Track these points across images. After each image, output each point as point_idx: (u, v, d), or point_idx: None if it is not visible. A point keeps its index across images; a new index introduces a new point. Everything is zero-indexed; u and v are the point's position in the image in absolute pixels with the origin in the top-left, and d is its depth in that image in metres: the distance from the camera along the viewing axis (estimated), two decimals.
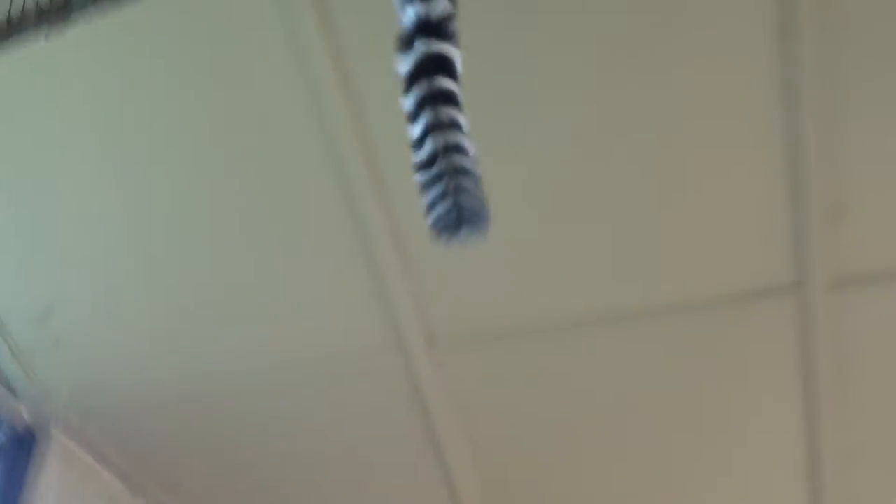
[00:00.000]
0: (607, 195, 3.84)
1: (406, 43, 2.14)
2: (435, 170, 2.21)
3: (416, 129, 2.19)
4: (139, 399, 4.67)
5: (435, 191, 2.21)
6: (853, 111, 3.57)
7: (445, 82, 2.17)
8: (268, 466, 5.10)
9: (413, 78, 2.14)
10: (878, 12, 3.40)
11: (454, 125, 2.19)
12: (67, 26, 2.39)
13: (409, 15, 2.16)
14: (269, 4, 3.33)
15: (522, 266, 4.09)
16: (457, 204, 2.20)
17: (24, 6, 2.33)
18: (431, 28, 2.15)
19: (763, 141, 3.69)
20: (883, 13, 3.41)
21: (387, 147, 3.68)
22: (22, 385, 4.52)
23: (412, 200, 3.26)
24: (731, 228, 3.97)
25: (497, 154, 3.37)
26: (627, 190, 3.81)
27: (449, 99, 2.14)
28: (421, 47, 2.14)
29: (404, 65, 2.11)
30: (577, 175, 3.76)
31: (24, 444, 4.62)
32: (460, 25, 2.32)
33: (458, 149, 2.19)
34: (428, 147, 2.20)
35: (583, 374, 4.65)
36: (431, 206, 2.21)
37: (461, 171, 2.19)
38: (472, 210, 2.20)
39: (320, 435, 4.97)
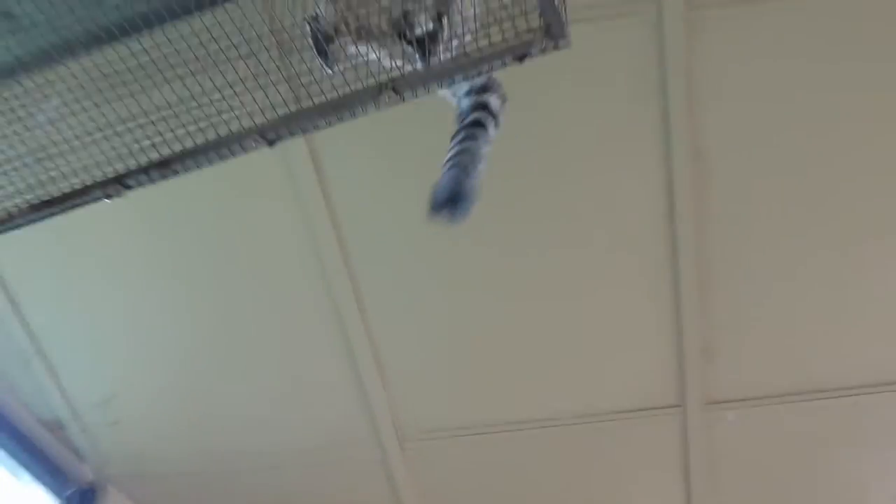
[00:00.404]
0: (533, 334, 4.48)
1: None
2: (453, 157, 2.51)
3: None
4: (180, 465, 5.09)
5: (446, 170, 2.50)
6: (723, 281, 4.26)
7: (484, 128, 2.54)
8: None
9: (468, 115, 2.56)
10: (742, 203, 4.05)
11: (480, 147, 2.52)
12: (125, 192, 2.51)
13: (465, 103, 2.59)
14: (276, 164, 3.87)
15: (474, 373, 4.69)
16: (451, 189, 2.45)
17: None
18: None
19: (654, 299, 4.36)
20: (746, 203, 4.06)
21: (368, 274, 4.28)
22: (87, 451, 4.98)
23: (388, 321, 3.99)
24: (627, 361, 4.64)
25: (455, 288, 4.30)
26: (549, 331, 4.46)
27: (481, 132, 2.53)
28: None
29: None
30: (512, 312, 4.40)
31: (87, 498, 5.04)
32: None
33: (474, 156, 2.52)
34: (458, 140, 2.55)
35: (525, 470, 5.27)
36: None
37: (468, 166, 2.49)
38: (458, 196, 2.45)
39: None
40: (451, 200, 2.42)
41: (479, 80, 2.55)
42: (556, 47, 2.30)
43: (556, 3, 2.25)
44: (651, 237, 4.21)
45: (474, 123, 2.57)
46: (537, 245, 4.20)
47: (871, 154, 3.99)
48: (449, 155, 2.53)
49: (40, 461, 4.89)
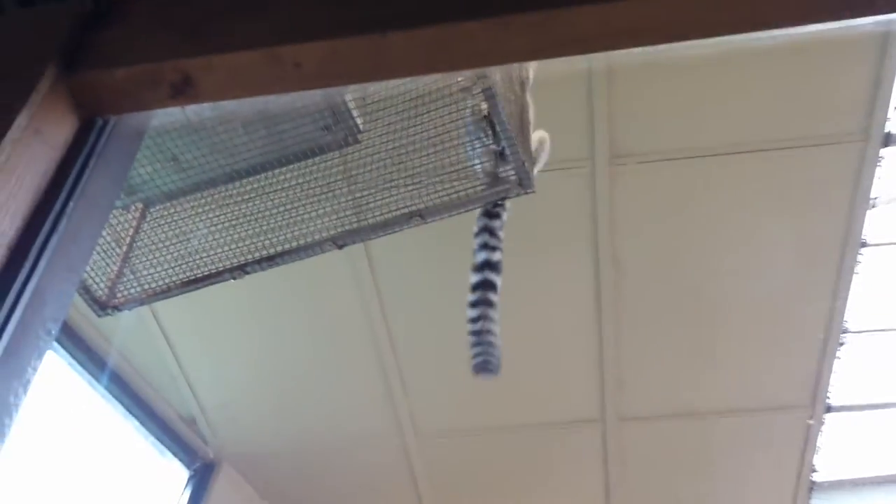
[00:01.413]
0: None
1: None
2: (477, 328, 2.58)
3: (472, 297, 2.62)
4: (275, 451, 5.34)
5: (476, 345, 2.58)
6: (632, 337, 4.59)
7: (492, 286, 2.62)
8: None
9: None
10: (646, 292, 4.38)
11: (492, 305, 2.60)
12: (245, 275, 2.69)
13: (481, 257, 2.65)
14: (342, 261, 4.15)
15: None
16: (486, 357, 2.57)
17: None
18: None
19: (584, 345, 4.67)
20: (649, 291, 4.38)
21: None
22: (210, 438, 5.23)
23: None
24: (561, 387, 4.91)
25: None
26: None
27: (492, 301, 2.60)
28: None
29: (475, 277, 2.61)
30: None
31: (209, 471, 5.27)
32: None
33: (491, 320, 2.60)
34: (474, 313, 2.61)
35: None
36: (474, 355, 2.59)
37: (489, 335, 2.59)
38: (493, 363, 2.58)
39: None
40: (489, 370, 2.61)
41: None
42: (525, 193, 2.63)
43: (525, 166, 2.57)
44: (584, 305, 4.45)
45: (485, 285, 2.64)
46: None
47: (731, 261, 4.28)
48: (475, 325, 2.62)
49: (177, 443, 5.12)
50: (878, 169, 4.00)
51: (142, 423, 4.83)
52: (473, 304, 2.62)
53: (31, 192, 1.45)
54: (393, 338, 4.53)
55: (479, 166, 2.53)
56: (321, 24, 1.53)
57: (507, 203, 2.64)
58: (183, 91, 1.56)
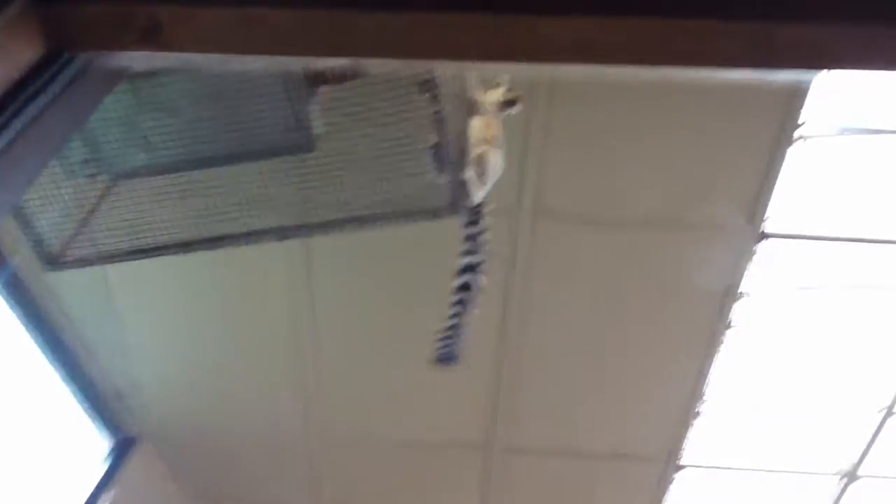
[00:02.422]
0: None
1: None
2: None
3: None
4: (194, 432, 4.89)
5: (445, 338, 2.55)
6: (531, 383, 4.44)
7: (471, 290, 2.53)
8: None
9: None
10: (552, 338, 4.18)
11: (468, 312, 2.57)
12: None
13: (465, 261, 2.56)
14: (282, 259, 3.87)
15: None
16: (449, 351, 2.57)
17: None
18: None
19: (481, 383, 4.46)
20: (555, 338, 4.19)
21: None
22: (136, 410, 4.73)
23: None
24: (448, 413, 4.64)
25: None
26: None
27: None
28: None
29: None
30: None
31: (127, 446, 4.77)
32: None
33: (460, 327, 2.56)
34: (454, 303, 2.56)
35: None
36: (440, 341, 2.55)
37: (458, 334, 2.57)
38: (453, 357, 2.57)
39: None
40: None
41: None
42: (457, 212, 2.47)
43: (459, 189, 2.43)
44: (488, 337, 4.24)
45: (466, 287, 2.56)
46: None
47: (622, 320, 4.17)
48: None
49: (105, 414, 4.67)
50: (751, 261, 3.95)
51: (78, 389, 4.44)
52: (454, 303, 2.56)
53: None
54: (318, 342, 4.28)
55: (421, 183, 2.35)
56: None
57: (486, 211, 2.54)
58: (152, 38, 1.37)
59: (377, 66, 2.06)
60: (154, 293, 4.06)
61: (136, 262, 2.56)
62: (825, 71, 1.76)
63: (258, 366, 4.45)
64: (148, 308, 4.18)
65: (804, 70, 1.44)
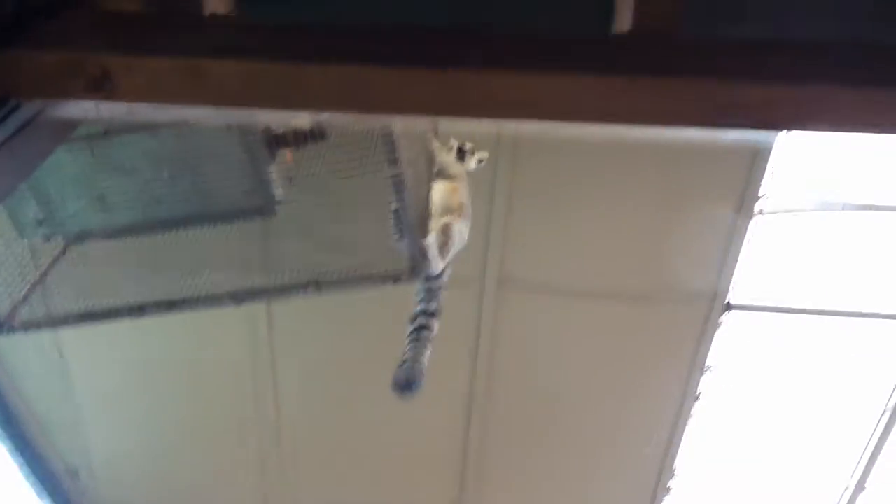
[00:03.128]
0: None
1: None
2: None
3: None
4: None
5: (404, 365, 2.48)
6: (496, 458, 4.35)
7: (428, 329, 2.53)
8: None
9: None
10: (515, 409, 4.12)
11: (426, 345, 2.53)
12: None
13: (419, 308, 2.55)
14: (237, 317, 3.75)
15: None
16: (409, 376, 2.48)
17: None
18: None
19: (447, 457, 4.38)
20: (518, 409, 4.13)
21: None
22: (89, 490, 4.51)
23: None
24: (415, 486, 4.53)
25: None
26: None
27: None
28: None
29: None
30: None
31: None
32: None
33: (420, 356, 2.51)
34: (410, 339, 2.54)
35: None
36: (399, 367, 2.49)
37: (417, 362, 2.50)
38: (413, 383, 2.48)
39: None
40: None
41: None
42: (417, 278, 2.46)
43: (419, 256, 2.42)
44: (455, 408, 4.17)
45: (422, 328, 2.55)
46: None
47: (589, 393, 4.11)
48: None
49: (57, 494, 4.47)
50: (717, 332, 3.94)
51: (27, 465, 4.24)
52: (410, 339, 2.54)
53: None
54: (280, 421, 4.19)
55: (382, 249, 2.34)
56: (243, 46, 1.37)
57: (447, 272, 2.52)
58: (101, 86, 1.37)
59: (326, 119, 2.06)
60: (108, 363, 3.96)
61: (90, 329, 2.53)
62: (776, 131, 1.80)
63: (215, 445, 4.33)
64: (102, 380, 4.07)
65: (754, 129, 1.45)
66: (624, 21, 1.56)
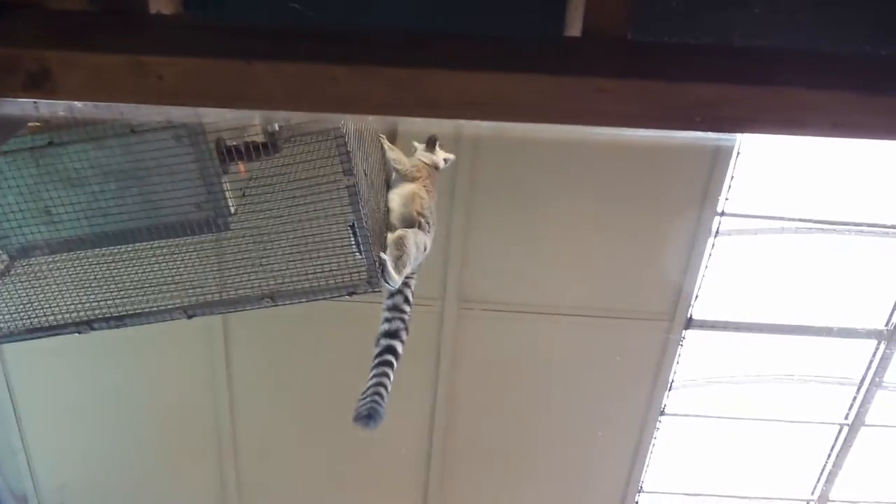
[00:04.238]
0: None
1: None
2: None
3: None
4: None
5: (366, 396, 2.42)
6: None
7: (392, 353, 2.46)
8: None
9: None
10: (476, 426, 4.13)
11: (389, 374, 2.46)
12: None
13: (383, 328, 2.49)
14: (198, 337, 3.75)
15: None
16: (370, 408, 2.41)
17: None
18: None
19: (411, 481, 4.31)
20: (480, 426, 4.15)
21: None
22: None
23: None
24: None
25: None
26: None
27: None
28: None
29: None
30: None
31: None
32: None
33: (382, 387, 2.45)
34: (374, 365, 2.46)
35: None
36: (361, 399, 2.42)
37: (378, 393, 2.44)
38: (375, 415, 2.42)
39: None
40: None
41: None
42: (373, 290, 2.43)
43: (375, 267, 2.39)
44: (417, 434, 4.12)
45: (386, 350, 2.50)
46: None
47: (551, 411, 4.10)
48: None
49: None
50: (679, 348, 3.96)
51: None
52: (374, 366, 2.48)
53: None
54: (237, 441, 4.08)
55: (338, 261, 2.30)
56: (189, 44, 1.35)
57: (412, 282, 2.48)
58: (40, 84, 1.34)
59: (279, 127, 2.03)
60: (57, 384, 3.86)
61: (35, 344, 2.44)
62: (726, 133, 1.81)
63: (172, 465, 4.22)
64: (51, 401, 3.96)
65: (703, 131, 1.46)
66: (574, 26, 1.57)
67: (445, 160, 2.64)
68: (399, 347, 2.52)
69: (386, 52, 1.38)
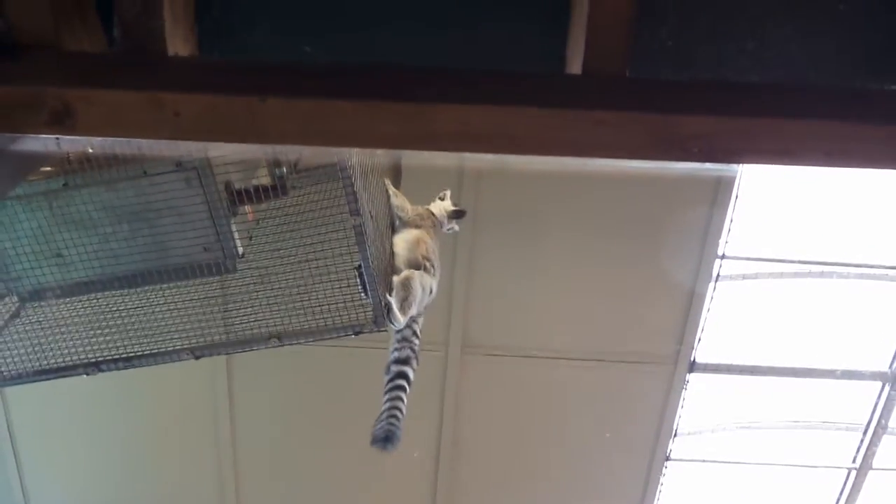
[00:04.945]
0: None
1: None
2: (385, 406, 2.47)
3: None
4: None
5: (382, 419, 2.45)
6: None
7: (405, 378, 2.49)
8: None
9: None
10: (482, 464, 4.06)
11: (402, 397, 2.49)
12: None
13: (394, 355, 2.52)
14: (200, 376, 3.75)
15: None
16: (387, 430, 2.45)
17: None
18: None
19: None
20: (485, 463, 4.09)
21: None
22: None
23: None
24: None
25: None
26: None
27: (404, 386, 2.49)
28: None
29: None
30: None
31: None
32: None
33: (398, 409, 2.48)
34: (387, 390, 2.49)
35: None
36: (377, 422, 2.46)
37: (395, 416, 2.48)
38: (392, 437, 2.46)
39: None
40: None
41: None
42: (378, 330, 2.46)
43: (381, 308, 2.42)
44: (422, 478, 4.11)
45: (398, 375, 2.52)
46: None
47: (557, 455, 4.07)
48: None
49: None
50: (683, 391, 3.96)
51: None
52: (387, 390, 2.51)
53: None
54: (238, 478, 4.01)
55: (344, 302, 2.34)
56: (205, 82, 1.41)
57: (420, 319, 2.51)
58: (62, 120, 1.39)
59: (283, 151, 2.09)
60: (57, 415, 3.83)
61: (40, 387, 2.44)
62: (721, 164, 1.86)
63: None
64: (49, 440, 3.96)
65: (698, 161, 1.51)
66: (574, 64, 1.63)
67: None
68: (410, 374, 2.54)
69: (393, 88, 1.44)
